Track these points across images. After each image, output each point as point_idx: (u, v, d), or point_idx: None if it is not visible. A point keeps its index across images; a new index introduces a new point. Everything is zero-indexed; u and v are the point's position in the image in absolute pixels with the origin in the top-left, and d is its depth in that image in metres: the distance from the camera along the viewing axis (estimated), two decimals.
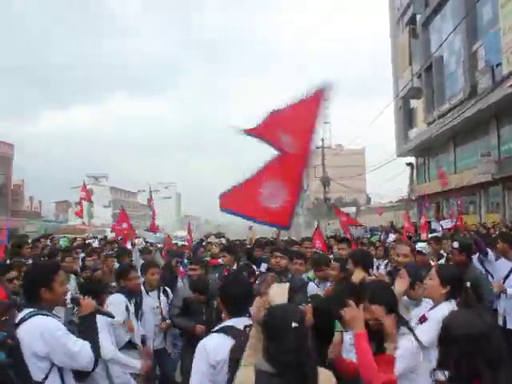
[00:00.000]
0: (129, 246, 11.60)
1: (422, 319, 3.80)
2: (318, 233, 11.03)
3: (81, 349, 3.32)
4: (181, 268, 8.84)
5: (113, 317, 4.19)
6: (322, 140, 46.68)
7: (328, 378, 2.61)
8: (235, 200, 4.95)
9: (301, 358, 2.45)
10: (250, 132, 4.98)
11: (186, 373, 5.88)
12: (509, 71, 20.57)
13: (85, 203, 22.88)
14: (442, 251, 8.43)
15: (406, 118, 36.85)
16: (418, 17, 32.93)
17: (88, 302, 3.62)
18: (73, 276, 7.97)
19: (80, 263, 10.05)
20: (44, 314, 3.34)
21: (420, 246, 7.09)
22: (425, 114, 31.62)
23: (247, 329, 3.06)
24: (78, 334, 3.48)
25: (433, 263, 6.73)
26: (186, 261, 11.50)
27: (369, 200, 70.10)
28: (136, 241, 11.79)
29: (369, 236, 17.80)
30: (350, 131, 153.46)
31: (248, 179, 4.94)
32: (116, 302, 5.25)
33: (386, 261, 8.33)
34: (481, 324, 2.27)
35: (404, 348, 3.07)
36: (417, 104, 34.52)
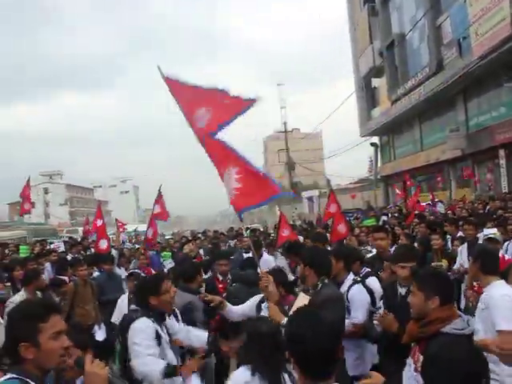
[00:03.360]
0: (103, 246, 10.57)
1: None
2: (284, 221, 10.04)
3: None
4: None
5: None
6: (285, 124, 45.88)
7: None
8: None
9: None
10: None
11: None
12: (477, 43, 20.16)
13: (40, 201, 21.63)
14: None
15: (369, 97, 36.41)
16: None
17: (98, 369, 2.36)
18: (39, 294, 6.72)
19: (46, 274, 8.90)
20: None
21: (489, 232, 5.97)
22: (389, 93, 31.13)
23: None
24: None
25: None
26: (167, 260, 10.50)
27: (328, 182, 69.94)
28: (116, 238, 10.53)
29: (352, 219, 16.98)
30: (309, 114, 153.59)
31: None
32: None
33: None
34: None
35: None
36: (379, 83, 34.08)
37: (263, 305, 4.33)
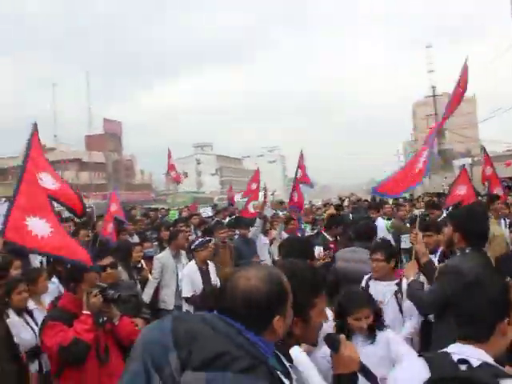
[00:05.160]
0: (251, 209, 10.30)
1: None
2: (465, 177, 8.01)
3: None
4: None
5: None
6: (433, 89, 43.38)
7: None
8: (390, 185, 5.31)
9: None
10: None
11: None
12: None
13: (193, 172, 23.16)
14: None
15: None
16: None
17: (352, 352, 2.08)
18: (183, 253, 7.25)
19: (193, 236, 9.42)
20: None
21: None
22: None
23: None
24: None
25: None
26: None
27: (483, 149, 64.69)
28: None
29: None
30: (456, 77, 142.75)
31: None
32: None
33: None
34: None
35: None
36: None
37: None
